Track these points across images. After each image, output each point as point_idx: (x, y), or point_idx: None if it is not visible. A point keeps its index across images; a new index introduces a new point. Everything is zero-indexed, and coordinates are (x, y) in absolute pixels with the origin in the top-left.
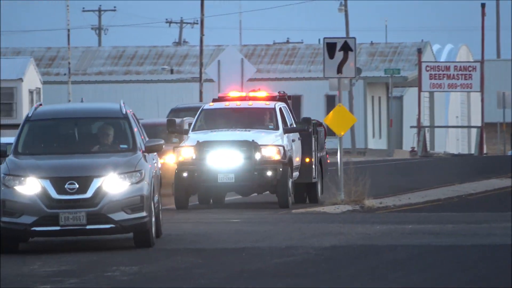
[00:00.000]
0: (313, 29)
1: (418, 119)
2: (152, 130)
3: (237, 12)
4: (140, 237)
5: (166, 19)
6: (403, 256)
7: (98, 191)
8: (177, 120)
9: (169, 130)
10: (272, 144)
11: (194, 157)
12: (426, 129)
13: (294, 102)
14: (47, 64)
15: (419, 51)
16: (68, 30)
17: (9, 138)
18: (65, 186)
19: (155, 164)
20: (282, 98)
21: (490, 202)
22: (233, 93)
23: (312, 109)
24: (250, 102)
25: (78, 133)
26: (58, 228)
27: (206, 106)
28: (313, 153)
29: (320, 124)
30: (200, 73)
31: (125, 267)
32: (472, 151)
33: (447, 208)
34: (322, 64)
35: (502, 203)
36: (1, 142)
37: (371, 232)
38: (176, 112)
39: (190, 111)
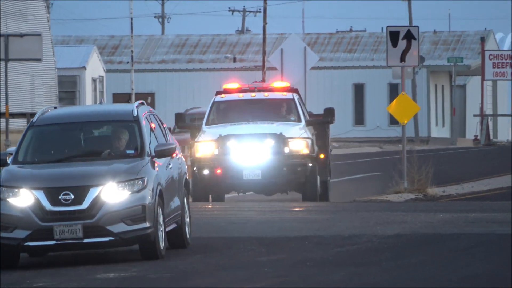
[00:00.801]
0: (376, 18)
1: (481, 108)
2: None
3: (300, 0)
4: (145, 249)
5: (229, 8)
6: (466, 245)
7: (95, 202)
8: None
9: (178, 125)
10: (301, 137)
11: (216, 152)
12: (489, 117)
13: (357, 91)
14: (110, 52)
15: (482, 40)
16: (131, 19)
17: None
18: (60, 197)
19: (171, 169)
20: (293, 89)
21: None
22: (236, 85)
23: (375, 97)
24: (266, 93)
25: (84, 138)
26: (53, 242)
27: (218, 98)
28: (329, 148)
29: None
30: (263, 61)
31: (190, 256)
32: None
33: (510, 196)
34: (385, 52)
35: None
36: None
37: (434, 221)
38: None
39: None
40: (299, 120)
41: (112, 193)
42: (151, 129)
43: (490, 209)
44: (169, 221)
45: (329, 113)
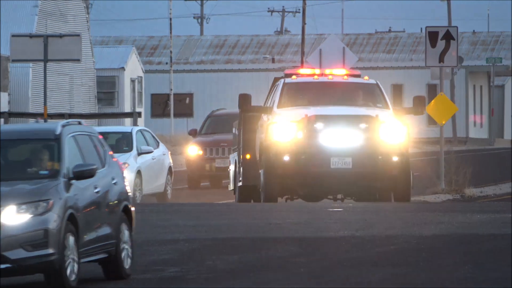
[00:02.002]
0: (415, 18)
1: None
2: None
3: (339, 1)
4: (51, 279)
5: (268, 8)
6: (503, 245)
7: None
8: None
9: (243, 108)
10: (398, 123)
11: (300, 136)
12: None
13: (395, 91)
14: (149, 53)
15: None
16: (170, 19)
17: (108, 127)
18: None
19: (97, 193)
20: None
21: None
22: (305, 70)
23: None
24: (345, 76)
25: None
26: None
27: (288, 80)
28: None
29: None
30: (302, 61)
31: (227, 255)
32: None
33: None
34: (424, 53)
35: None
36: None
37: (471, 221)
38: None
39: None
40: (387, 107)
41: (11, 216)
42: (79, 149)
43: None
44: (92, 250)
45: (419, 102)
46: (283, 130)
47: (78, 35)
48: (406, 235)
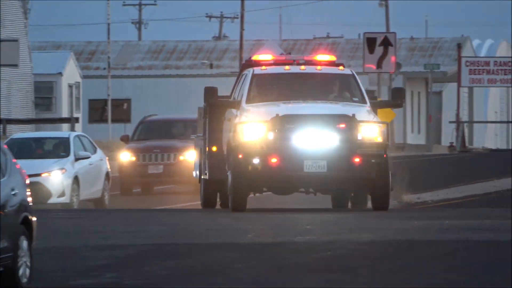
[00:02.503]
0: (353, 24)
1: (457, 114)
2: (181, 125)
3: (277, 7)
4: None
5: (206, 14)
6: (441, 252)
7: None
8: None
9: (209, 102)
10: (374, 121)
11: (271, 136)
12: (465, 124)
13: None
14: (87, 58)
15: (459, 46)
16: (108, 24)
17: (45, 133)
18: None
19: None
20: (341, 64)
21: None
22: (269, 56)
23: None
24: (319, 67)
25: None
26: None
27: (257, 71)
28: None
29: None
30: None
31: (164, 261)
32: (511, 147)
33: (485, 203)
34: (362, 59)
35: None
36: (39, 136)
37: (408, 227)
38: None
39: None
40: (364, 102)
41: None
42: None
43: (464, 216)
44: None
45: (399, 93)
46: (252, 131)
47: (16, 40)
48: (343, 241)
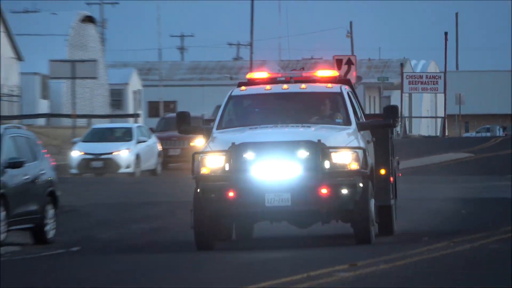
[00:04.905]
0: (328, 49)
1: (401, 112)
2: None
3: (277, 38)
4: None
5: (228, 42)
6: None
7: None
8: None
9: (180, 129)
10: (347, 147)
11: (227, 168)
12: (406, 118)
13: None
14: (146, 72)
15: (402, 65)
16: (160, 50)
17: (117, 124)
18: None
19: (26, 179)
20: (344, 80)
21: (449, 168)
22: (265, 74)
23: None
24: (304, 85)
25: None
26: None
27: (236, 92)
28: (390, 162)
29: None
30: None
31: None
32: (438, 134)
33: (419, 173)
34: None
35: (458, 170)
36: (107, 126)
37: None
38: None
39: None
40: (348, 123)
41: None
42: (16, 147)
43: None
44: (20, 220)
45: (391, 112)
46: (210, 162)
47: (95, 60)
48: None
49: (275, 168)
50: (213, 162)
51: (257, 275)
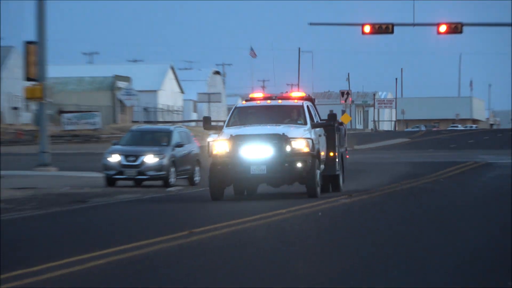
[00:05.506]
0: (318, 79)
1: (374, 120)
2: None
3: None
4: (164, 184)
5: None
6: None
7: None
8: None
9: (205, 127)
10: (302, 137)
11: (228, 150)
12: (377, 122)
13: None
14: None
15: (374, 94)
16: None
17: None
18: None
19: (185, 152)
20: (308, 98)
21: (398, 147)
22: (260, 94)
23: None
24: (280, 101)
25: None
26: None
27: (239, 104)
28: (336, 148)
29: (341, 123)
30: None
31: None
32: (392, 129)
33: (380, 149)
34: (339, 99)
35: (402, 147)
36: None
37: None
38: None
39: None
40: (305, 123)
41: (150, 159)
42: (180, 136)
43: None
44: (182, 173)
45: (332, 117)
46: (218, 146)
47: (220, 93)
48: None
49: (257, 150)
50: (220, 147)
51: (237, 213)
